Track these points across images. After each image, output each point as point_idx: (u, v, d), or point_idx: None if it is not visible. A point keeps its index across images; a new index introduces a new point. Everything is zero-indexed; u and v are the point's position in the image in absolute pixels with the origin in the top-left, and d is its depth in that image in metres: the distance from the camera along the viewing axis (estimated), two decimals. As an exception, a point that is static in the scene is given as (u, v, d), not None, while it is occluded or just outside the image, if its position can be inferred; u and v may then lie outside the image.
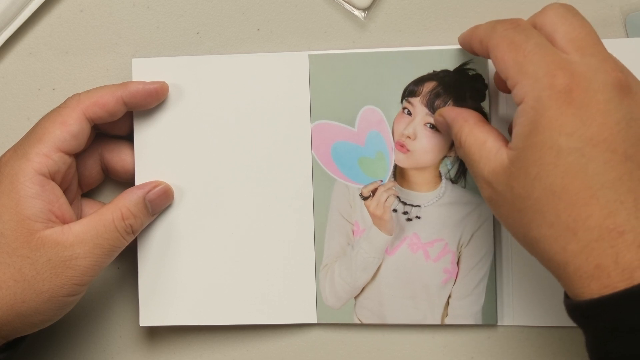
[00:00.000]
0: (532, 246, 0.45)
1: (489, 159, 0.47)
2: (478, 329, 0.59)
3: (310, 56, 0.58)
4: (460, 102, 0.56)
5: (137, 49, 0.61)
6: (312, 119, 0.58)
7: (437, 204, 0.57)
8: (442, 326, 0.59)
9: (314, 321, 0.59)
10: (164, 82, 0.57)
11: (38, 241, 0.51)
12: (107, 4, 0.61)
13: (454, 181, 0.57)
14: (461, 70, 0.57)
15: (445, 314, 0.58)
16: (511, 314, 0.58)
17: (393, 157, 0.58)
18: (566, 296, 0.45)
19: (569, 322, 0.57)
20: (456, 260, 0.57)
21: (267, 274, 0.58)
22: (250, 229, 0.58)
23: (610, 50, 0.46)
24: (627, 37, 0.57)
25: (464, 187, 0.57)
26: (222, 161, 0.58)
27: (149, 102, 0.57)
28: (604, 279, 0.41)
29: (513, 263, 0.57)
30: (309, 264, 0.58)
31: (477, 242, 0.57)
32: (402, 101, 0.57)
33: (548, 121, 0.43)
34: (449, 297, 0.57)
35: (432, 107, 0.57)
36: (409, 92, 0.57)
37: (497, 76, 0.54)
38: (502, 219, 0.47)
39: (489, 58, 0.48)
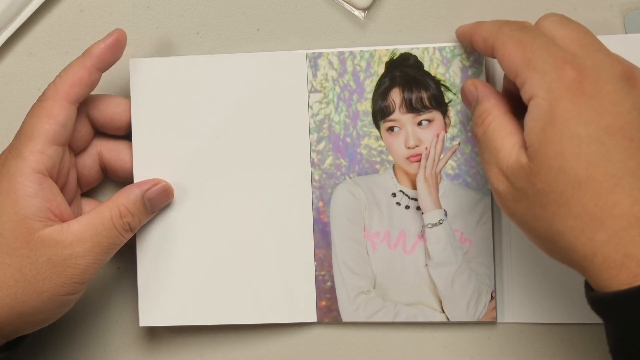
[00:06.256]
0: (554, 241, 0.44)
1: (510, 153, 0.46)
2: (478, 327, 0.59)
3: (308, 55, 0.58)
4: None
5: (137, 49, 0.61)
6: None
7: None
8: (443, 325, 0.59)
9: (314, 320, 0.59)
10: (120, 30, 0.55)
11: (37, 240, 0.51)
12: (107, 4, 0.61)
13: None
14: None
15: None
16: (511, 312, 0.58)
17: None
18: (589, 288, 0.44)
19: (570, 320, 0.57)
20: (455, 259, 0.57)
21: (266, 273, 0.58)
22: (250, 228, 0.58)
23: (609, 46, 0.47)
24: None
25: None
26: (221, 160, 0.58)
27: (117, 55, 0.55)
28: (633, 268, 0.41)
29: (513, 261, 0.57)
30: (309, 263, 0.58)
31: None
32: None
33: (563, 111, 0.43)
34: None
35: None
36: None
37: (506, 80, 0.52)
38: (518, 214, 0.46)
39: (491, 56, 0.49)
